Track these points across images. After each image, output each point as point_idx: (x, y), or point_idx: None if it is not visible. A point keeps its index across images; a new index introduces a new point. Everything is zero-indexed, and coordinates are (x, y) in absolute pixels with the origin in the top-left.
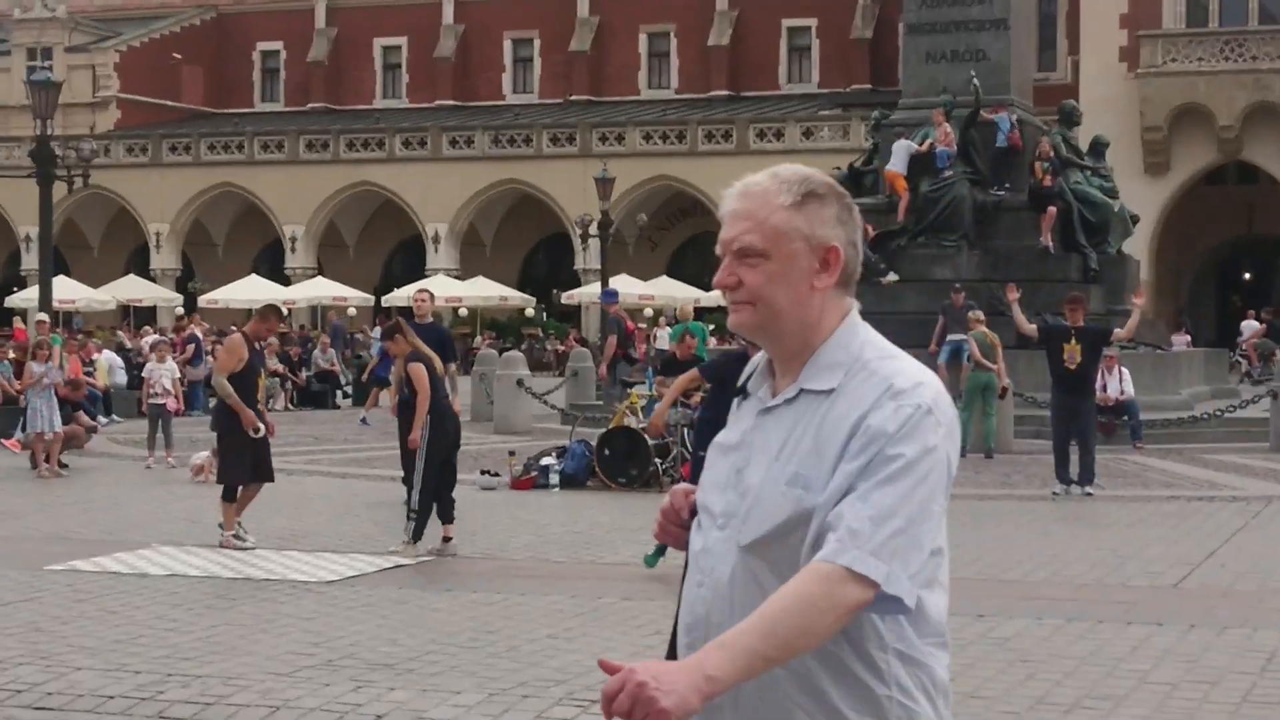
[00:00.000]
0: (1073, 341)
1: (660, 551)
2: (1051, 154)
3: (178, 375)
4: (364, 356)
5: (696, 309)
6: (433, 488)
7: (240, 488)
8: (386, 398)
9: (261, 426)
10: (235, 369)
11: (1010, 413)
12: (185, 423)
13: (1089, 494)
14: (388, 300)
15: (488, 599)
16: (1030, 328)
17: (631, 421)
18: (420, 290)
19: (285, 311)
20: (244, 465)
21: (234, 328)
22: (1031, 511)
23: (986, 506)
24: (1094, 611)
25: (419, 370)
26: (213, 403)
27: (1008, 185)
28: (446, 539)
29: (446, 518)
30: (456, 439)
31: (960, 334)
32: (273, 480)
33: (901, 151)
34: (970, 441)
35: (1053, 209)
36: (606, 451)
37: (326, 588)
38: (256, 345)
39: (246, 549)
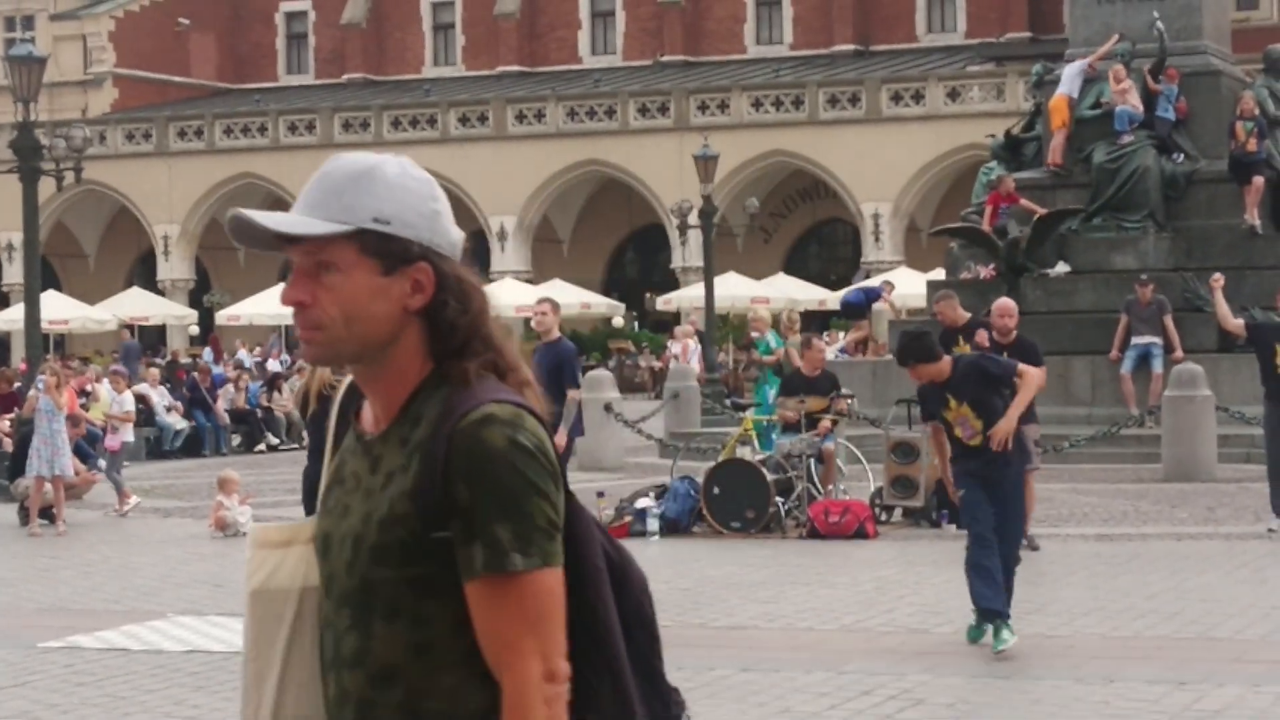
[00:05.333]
0: None
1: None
2: (1256, 112)
3: (128, 408)
4: None
5: (821, 313)
6: None
7: None
8: None
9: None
10: None
11: (1212, 431)
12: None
13: None
14: None
15: None
16: (1236, 324)
17: (746, 453)
18: (542, 301)
19: None
20: None
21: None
22: (1243, 553)
23: (1186, 548)
24: None
25: None
26: (235, 440)
27: (1184, 155)
28: None
29: None
30: None
31: (1149, 335)
32: None
33: (1073, 73)
34: None
35: (1259, 179)
36: (716, 490)
37: None
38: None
39: None
